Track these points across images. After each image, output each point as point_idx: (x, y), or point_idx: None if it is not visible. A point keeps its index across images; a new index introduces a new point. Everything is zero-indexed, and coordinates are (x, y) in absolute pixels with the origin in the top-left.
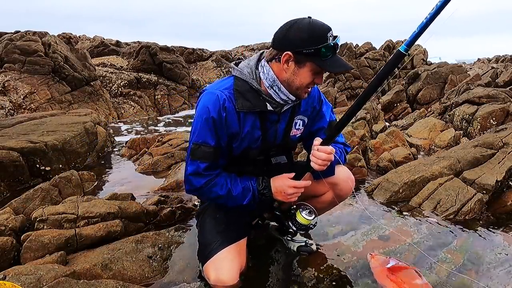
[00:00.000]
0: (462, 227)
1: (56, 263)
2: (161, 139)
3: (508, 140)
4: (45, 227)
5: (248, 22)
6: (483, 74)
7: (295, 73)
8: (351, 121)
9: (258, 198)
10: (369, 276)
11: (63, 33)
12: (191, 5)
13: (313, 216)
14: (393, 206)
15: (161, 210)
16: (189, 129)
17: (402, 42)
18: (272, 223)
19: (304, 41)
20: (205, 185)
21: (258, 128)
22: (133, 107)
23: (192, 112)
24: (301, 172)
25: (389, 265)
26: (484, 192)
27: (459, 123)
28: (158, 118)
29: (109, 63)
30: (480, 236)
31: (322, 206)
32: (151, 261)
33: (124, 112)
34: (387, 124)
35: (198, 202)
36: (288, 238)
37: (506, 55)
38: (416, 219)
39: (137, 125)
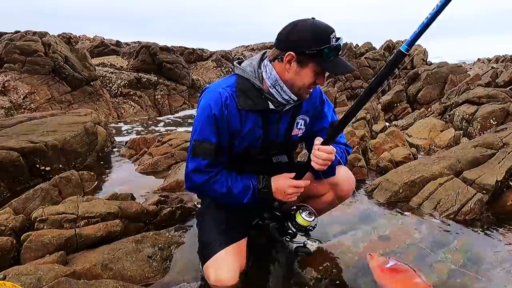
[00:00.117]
0: (462, 227)
1: (56, 263)
2: (161, 139)
3: (508, 140)
4: (45, 227)
5: (248, 22)
6: (483, 74)
7: (297, 74)
8: (351, 121)
9: (258, 196)
10: (369, 276)
11: (63, 33)
12: (191, 5)
13: (313, 217)
14: (393, 206)
15: (161, 210)
16: (189, 129)
17: (402, 42)
18: (272, 223)
19: (306, 41)
20: (205, 182)
21: (259, 126)
22: (133, 107)
23: (191, 112)
24: (302, 172)
25: (388, 265)
26: (484, 192)
27: (459, 123)
28: (157, 118)
29: (109, 63)
30: (480, 236)
31: (323, 207)
32: (151, 261)
33: (124, 112)
34: (387, 124)
35: (199, 202)
36: (288, 238)
37: (506, 55)
38: (416, 219)
39: (137, 125)
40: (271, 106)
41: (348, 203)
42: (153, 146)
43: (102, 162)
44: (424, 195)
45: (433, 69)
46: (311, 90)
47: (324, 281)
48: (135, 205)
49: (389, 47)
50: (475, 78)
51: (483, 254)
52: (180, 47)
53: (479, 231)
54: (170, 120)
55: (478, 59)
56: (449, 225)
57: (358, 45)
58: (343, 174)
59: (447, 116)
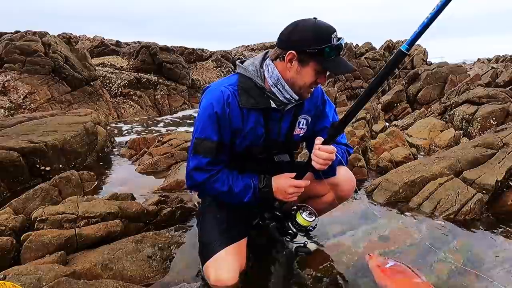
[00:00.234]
0: (462, 227)
1: (56, 263)
2: (161, 139)
3: (508, 140)
4: (45, 227)
5: (248, 22)
6: (483, 74)
7: (298, 73)
8: (351, 121)
9: (259, 196)
10: (369, 276)
11: (63, 33)
12: (191, 5)
13: (314, 217)
14: (393, 206)
15: (161, 210)
16: (189, 129)
17: (402, 42)
18: (273, 223)
19: (308, 40)
20: (206, 180)
21: (261, 125)
22: (133, 107)
23: (191, 112)
24: (302, 172)
25: (388, 265)
26: (484, 192)
27: (459, 123)
28: (156, 118)
29: (109, 63)
30: (480, 236)
31: (323, 207)
32: (151, 261)
33: (124, 112)
34: (387, 124)
35: (199, 201)
36: (288, 239)
37: (506, 55)
38: (416, 219)
39: (137, 125)
40: (273, 105)
41: (348, 203)
42: (153, 146)
43: (102, 162)
44: (424, 195)
45: (433, 69)
46: (312, 90)
47: (324, 281)
48: (135, 205)
49: (389, 47)
50: (475, 78)
51: (483, 254)
52: (180, 47)
53: (479, 231)
54: (169, 120)
55: (478, 59)
56: (449, 225)
57: (358, 45)
58: (344, 175)
59: (447, 116)
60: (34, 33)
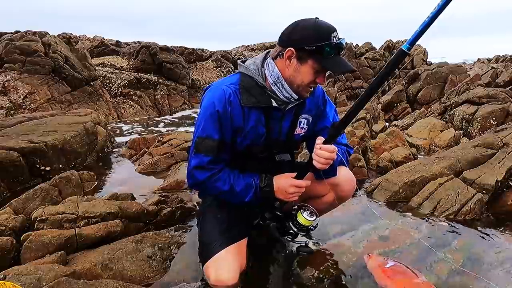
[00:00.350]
0: (462, 227)
1: (56, 263)
2: (161, 139)
3: (508, 140)
4: (45, 227)
5: (248, 22)
6: (483, 74)
7: (297, 70)
8: (351, 121)
9: (260, 195)
10: (369, 276)
11: (63, 33)
12: (191, 5)
13: (314, 217)
14: (393, 206)
15: (161, 210)
16: (189, 129)
17: (403, 42)
18: (273, 223)
19: (307, 38)
20: (208, 179)
21: (262, 124)
22: (133, 107)
23: (191, 112)
24: (303, 172)
25: (388, 266)
26: (484, 192)
27: (459, 123)
28: (156, 118)
29: (109, 63)
30: (480, 236)
31: (324, 207)
32: (151, 261)
33: (124, 112)
34: (387, 124)
35: (199, 201)
36: (289, 238)
37: (506, 55)
38: (416, 219)
39: (137, 125)
40: (274, 104)
41: (348, 203)
42: (153, 146)
43: (102, 162)
44: (424, 195)
45: (433, 69)
46: (311, 89)
47: (324, 281)
48: (135, 205)
49: (389, 47)
50: (475, 78)
51: (483, 254)
52: (180, 47)
53: (479, 231)
54: (169, 121)
55: (478, 59)
56: (449, 225)
57: (358, 45)
58: (344, 175)
59: (447, 116)
60: (34, 33)
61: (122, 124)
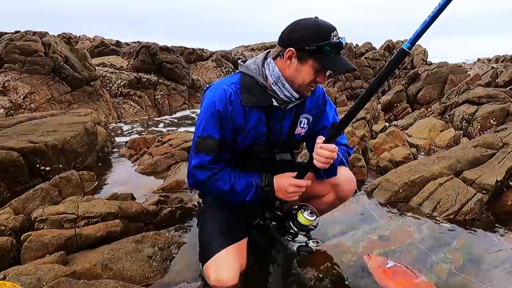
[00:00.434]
0: (462, 227)
1: (56, 263)
2: (161, 139)
3: (508, 140)
4: (45, 227)
5: (248, 22)
6: (483, 74)
7: (297, 70)
8: (351, 121)
9: (260, 195)
10: (369, 276)
11: (63, 33)
12: (191, 5)
13: (315, 217)
14: (393, 206)
15: (161, 210)
16: (189, 129)
17: (402, 42)
18: (273, 223)
19: (307, 38)
20: (208, 178)
21: (263, 123)
22: (133, 107)
23: (191, 112)
24: (303, 172)
25: (388, 266)
26: (484, 192)
27: (459, 123)
28: (156, 118)
29: (109, 63)
30: (480, 236)
31: (324, 207)
32: (151, 261)
33: (124, 112)
34: (387, 124)
35: (199, 201)
36: (289, 238)
37: (506, 55)
38: (416, 219)
39: (137, 125)
40: (275, 103)
41: (348, 203)
42: (153, 146)
43: (102, 163)
44: (424, 195)
45: (433, 69)
46: (312, 89)
47: (324, 281)
48: (135, 205)
49: (389, 47)
50: (475, 78)
51: (483, 254)
52: (180, 47)
53: (479, 231)
54: (169, 121)
55: (478, 59)
56: (449, 225)
57: (358, 45)
58: (344, 175)
59: (447, 116)
60: (34, 33)
61: (122, 124)
